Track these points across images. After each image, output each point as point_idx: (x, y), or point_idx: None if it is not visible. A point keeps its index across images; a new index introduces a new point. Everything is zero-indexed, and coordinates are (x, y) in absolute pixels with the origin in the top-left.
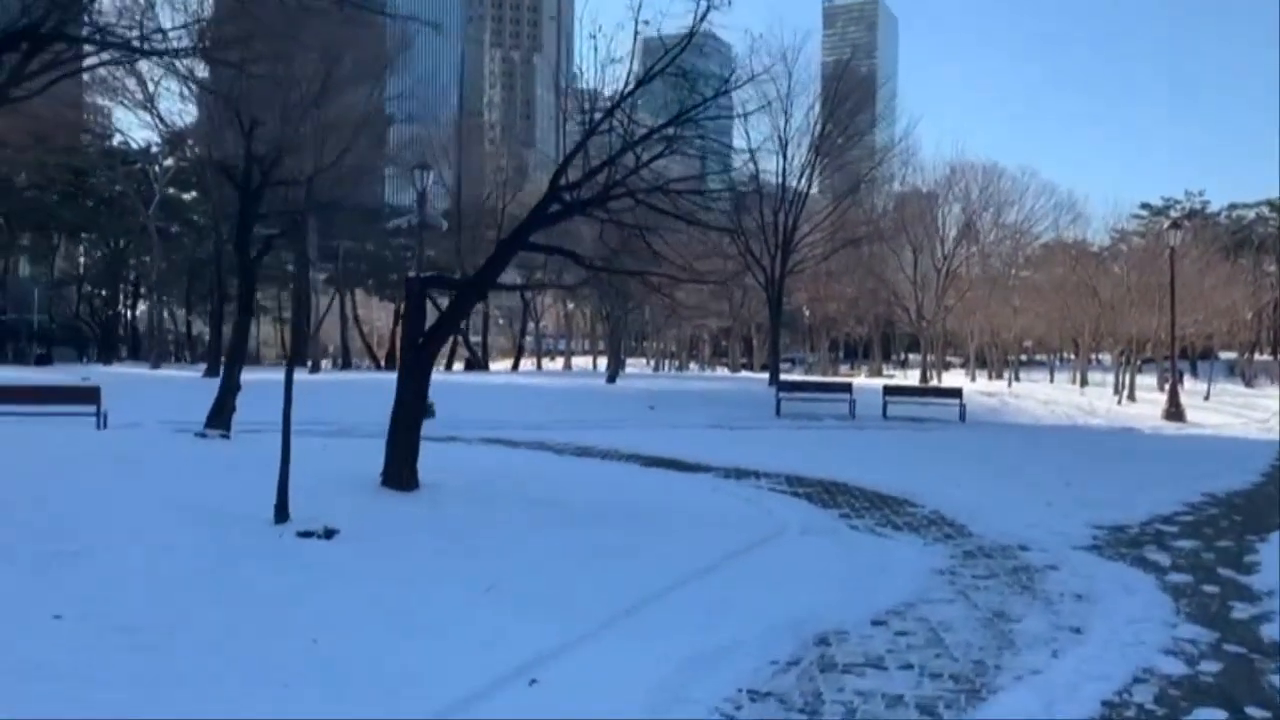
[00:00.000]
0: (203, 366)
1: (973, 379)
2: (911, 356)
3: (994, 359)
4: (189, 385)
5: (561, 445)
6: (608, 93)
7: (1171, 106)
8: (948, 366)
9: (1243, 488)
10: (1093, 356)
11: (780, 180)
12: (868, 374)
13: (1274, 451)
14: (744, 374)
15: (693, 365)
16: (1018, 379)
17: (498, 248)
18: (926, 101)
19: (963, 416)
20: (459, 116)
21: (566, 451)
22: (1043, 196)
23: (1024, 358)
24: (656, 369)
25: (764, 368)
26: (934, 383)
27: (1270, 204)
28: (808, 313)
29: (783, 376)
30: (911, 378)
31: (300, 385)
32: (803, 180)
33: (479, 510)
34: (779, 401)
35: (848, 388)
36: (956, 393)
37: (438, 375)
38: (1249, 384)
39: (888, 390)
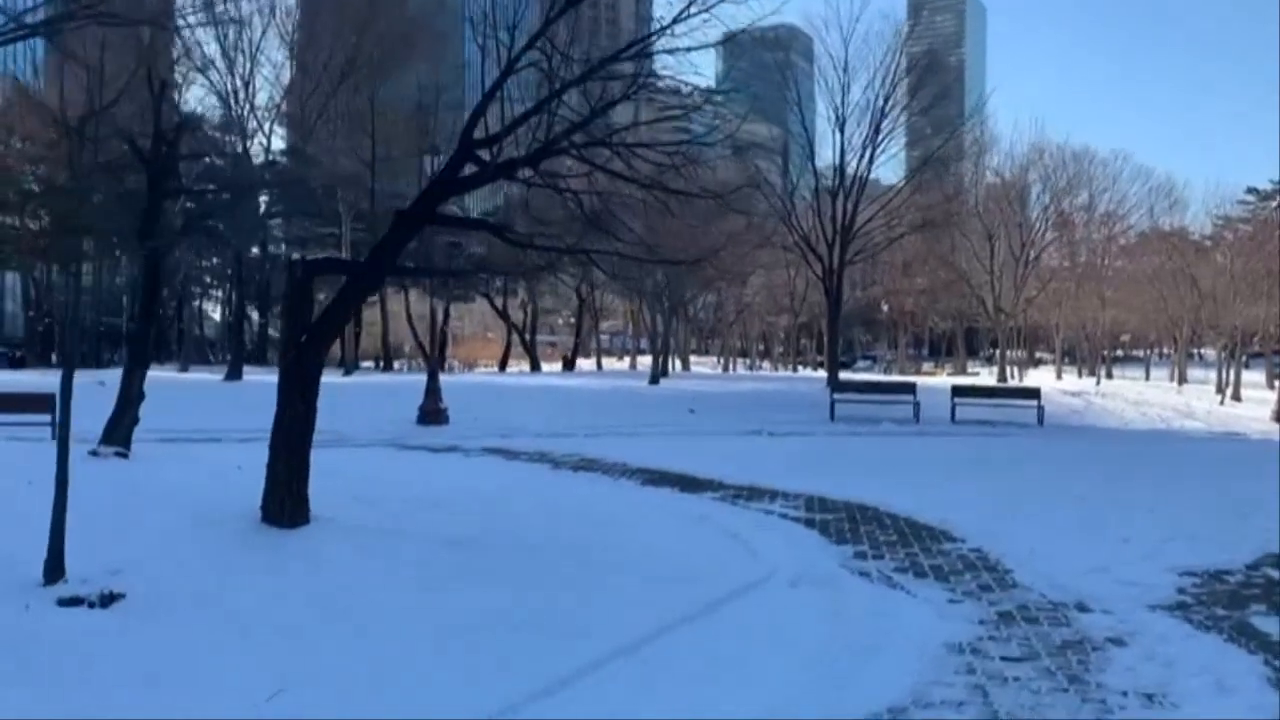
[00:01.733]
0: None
1: (1059, 376)
2: (1014, 353)
3: (1084, 355)
4: (195, 390)
5: (564, 457)
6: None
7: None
8: (1037, 363)
9: None
10: (1194, 351)
11: (839, 160)
12: (950, 372)
13: None
14: (805, 373)
15: (765, 364)
16: (1110, 376)
17: (395, 221)
18: (1015, 91)
19: (1040, 420)
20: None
21: (566, 465)
22: (1137, 181)
23: (1119, 353)
24: (726, 368)
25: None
26: (1015, 381)
27: None
28: (885, 307)
29: (844, 375)
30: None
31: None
32: (863, 161)
33: (364, 558)
34: (833, 404)
35: (911, 388)
36: (1034, 393)
37: (470, 377)
38: None
39: (956, 391)
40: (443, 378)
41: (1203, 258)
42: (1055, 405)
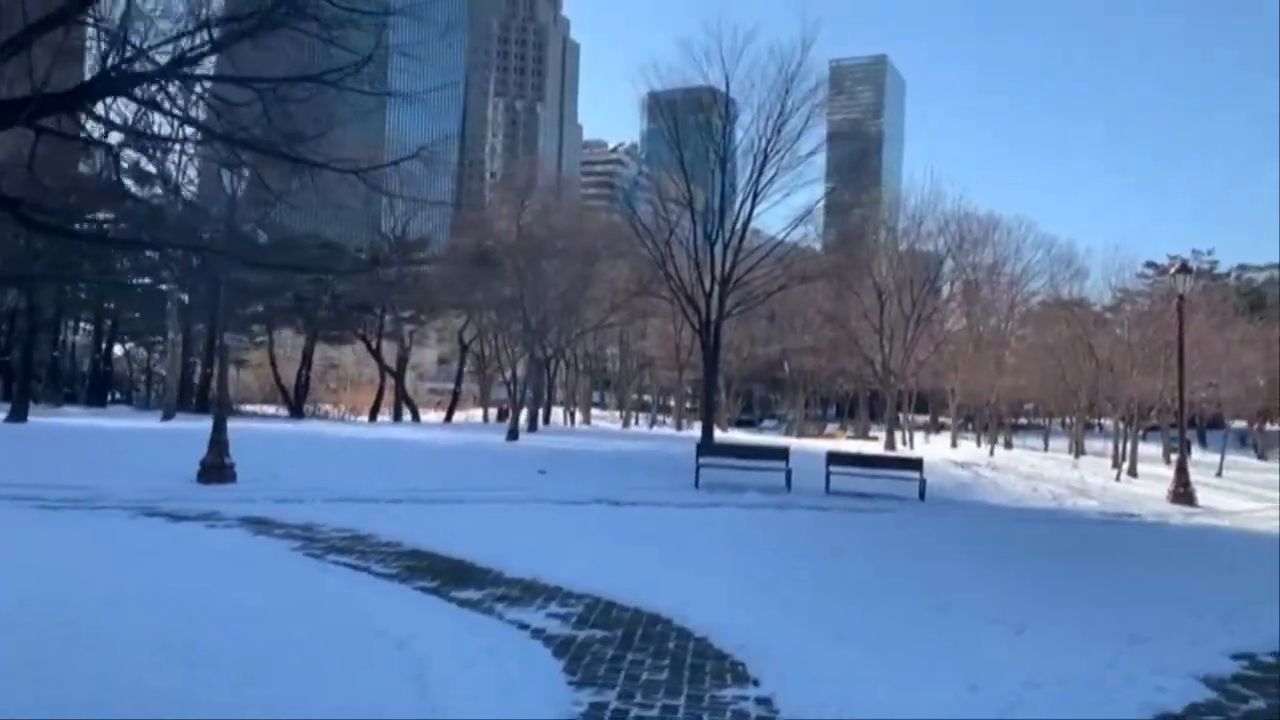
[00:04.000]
0: (168, 409)
1: (954, 444)
2: (910, 417)
3: (983, 423)
4: (91, 436)
5: (332, 533)
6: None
7: (1176, 165)
8: (939, 429)
9: None
10: (1094, 422)
11: (718, 202)
12: (851, 435)
13: None
14: (689, 433)
15: (668, 420)
16: (1009, 446)
17: None
18: (929, 159)
19: (922, 494)
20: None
21: (320, 545)
22: (1040, 249)
23: (1023, 421)
24: (626, 423)
25: (734, 423)
26: (906, 448)
27: None
28: (787, 367)
29: (721, 436)
30: (917, 441)
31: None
32: (744, 206)
33: None
34: (699, 469)
35: (784, 454)
36: (916, 464)
37: (307, 427)
38: (1261, 456)
39: (832, 458)
40: (280, 426)
41: (1101, 327)
42: (941, 477)
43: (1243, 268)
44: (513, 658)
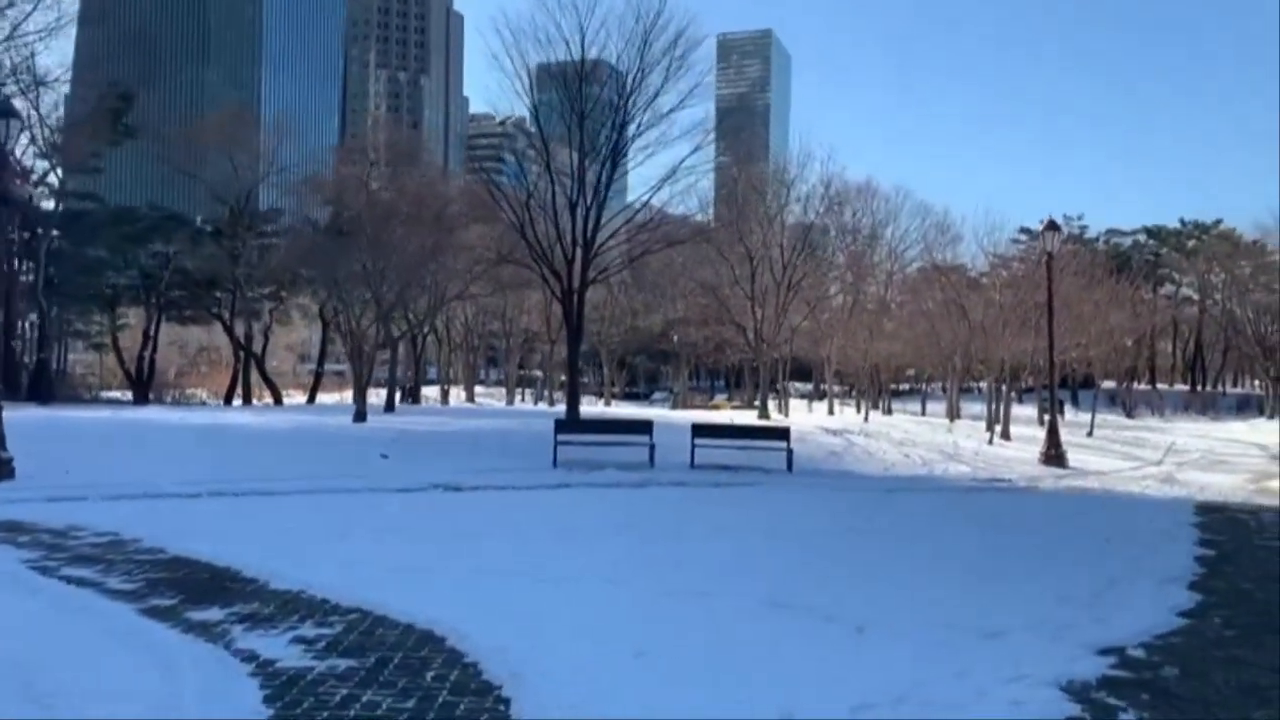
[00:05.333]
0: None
1: (831, 411)
2: (800, 385)
3: (864, 389)
4: None
5: (92, 538)
6: None
7: (1050, 131)
8: (823, 396)
9: (1165, 629)
10: (974, 386)
11: (577, 163)
12: (737, 405)
13: (1188, 517)
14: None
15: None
16: (889, 412)
17: None
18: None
19: (790, 464)
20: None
21: (64, 555)
22: (917, 217)
23: (905, 387)
24: (510, 401)
25: (622, 396)
26: (781, 418)
27: (1147, 231)
28: (675, 337)
29: (594, 410)
30: (797, 409)
31: None
32: (604, 166)
33: None
34: (557, 447)
35: (647, 427)
36: (783, 433)
37: (113, 413)
38: (1130, 414)
39: (697, 430)
40: (104, 413)
41: (975, 290)
42: (813, 446)
43: (1111, 232)
44: (200, 710)
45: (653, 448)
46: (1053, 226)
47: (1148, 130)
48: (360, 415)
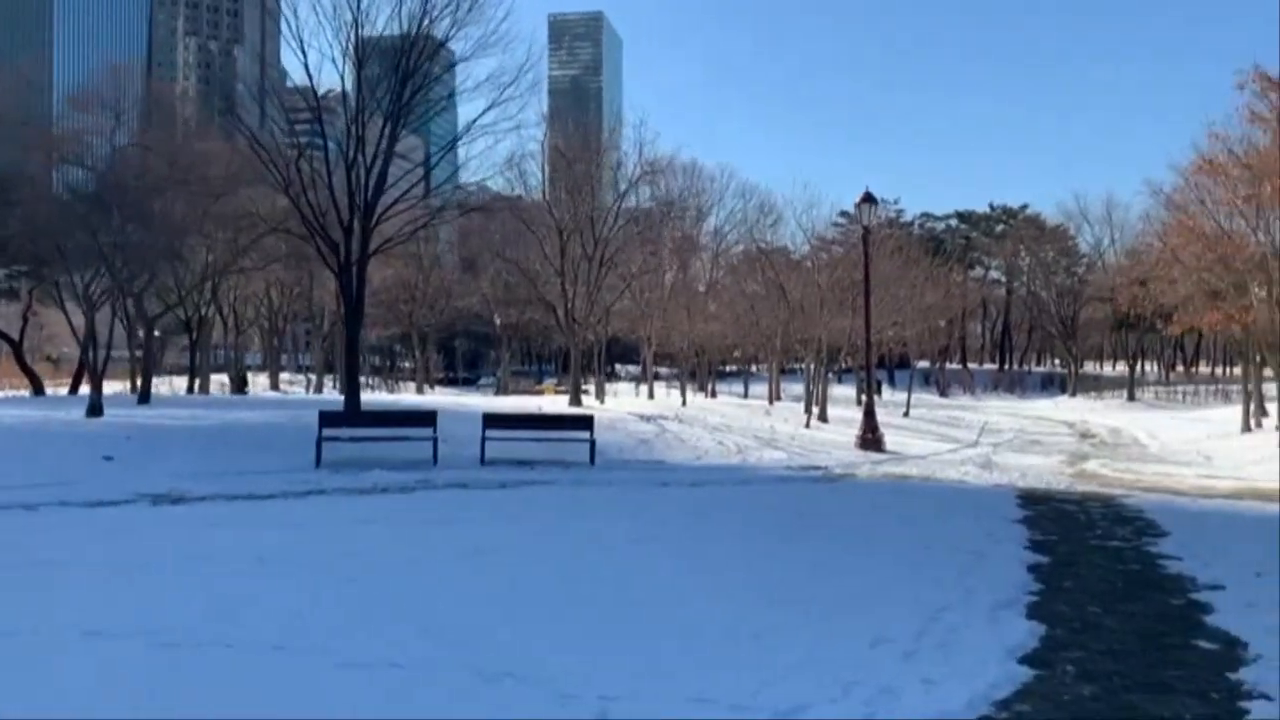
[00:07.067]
0: None
1: (651, 395)
2: (633, 369)
3: (685, 372)
4: None
5: None
6: None
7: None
8: (657, 378)
9: (1007, 688)
10: (797, 367)
11: (356, 120)
12: (564, 390)
13: (1012, 511)
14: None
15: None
16: (713, 394)
17: None
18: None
19: (593, 457)
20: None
21: None
22: (740, 198)
23: (733, 369)
24: (319, 389)
25: (444, 381)
26: (597, 403)
27: (959, 215)
28: (498, 320)
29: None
30: (625, 393)
31: None
32: (386, 124)
33: None
34: (320, 444)
35: (431, 419)
36: (586, 422)
37: None
38: (943, 393)
39: (490, 421)
40: None
41: (795, 271)
42: (622, 434)
43: (925, 215)
44: None
45: (435, 442)
46: (869, 199)
47: (958, 117)
48: (95, 409)
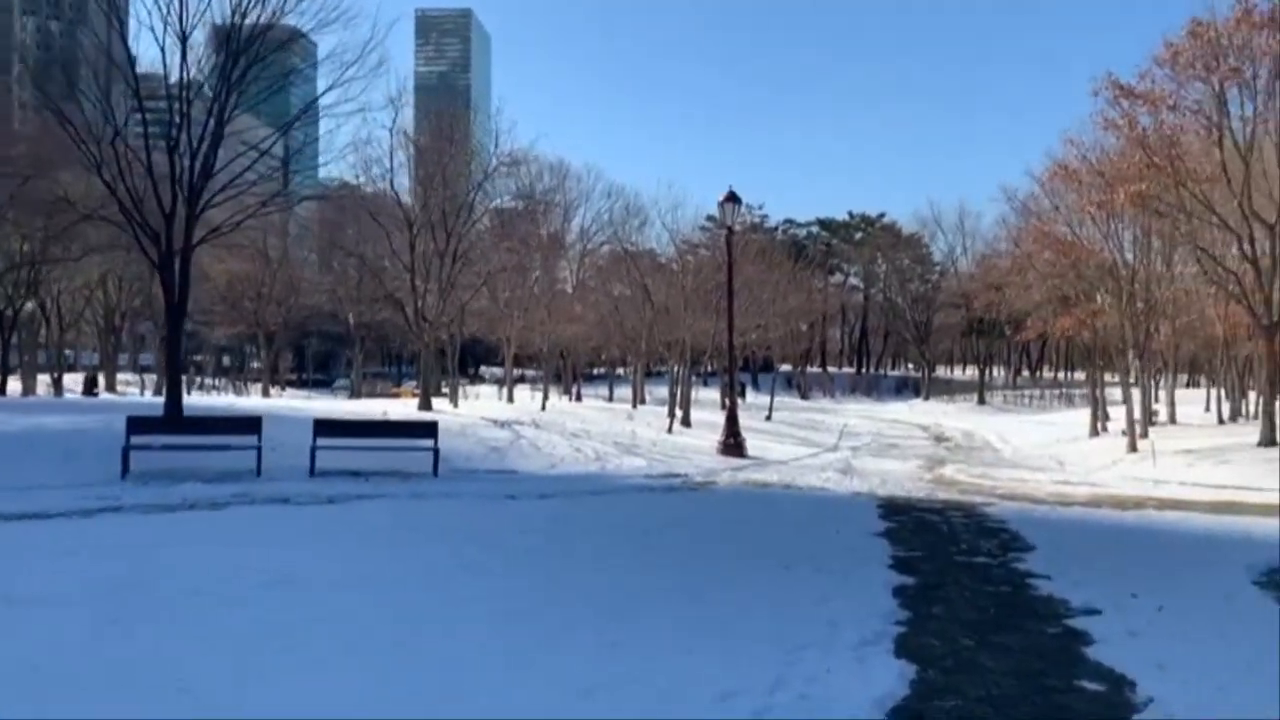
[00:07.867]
0: None
1: (510, 399)
2: (497, 371)
3: (554, 373)
4: None
5: None
6: None
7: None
8: (523, 380)
9: None
10: (662, 370)
11: (180, 100)
12: (416, 393)
13: (873, 523)
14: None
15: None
16: (579, 398)
17: None
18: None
19: (436, 467)
20: None
21: None
22: (606, 199)
23: (600, 371)
24: (150, 391)
25: (300, 383)
26: (452, 407)
27: (820, 222)
28: (351, 319)
29: (211, 402)
30: (488, 396)
31: None
32: (215, 100)
33: None
34: (127, 452)
35: (255, 426)
36: (429, 429)
37: None
38: (805, 396)
39: (321, 428)
40: None
41: (660, 273)
42: (473, 442)
43: (789, 222)
44: None
45: (260, 451)
46: (733, 198)
47: (816, 129)
48: None
